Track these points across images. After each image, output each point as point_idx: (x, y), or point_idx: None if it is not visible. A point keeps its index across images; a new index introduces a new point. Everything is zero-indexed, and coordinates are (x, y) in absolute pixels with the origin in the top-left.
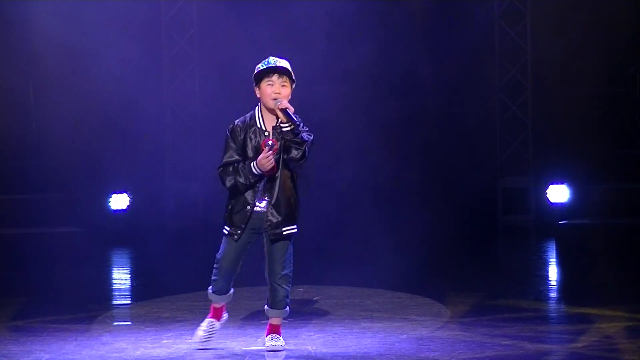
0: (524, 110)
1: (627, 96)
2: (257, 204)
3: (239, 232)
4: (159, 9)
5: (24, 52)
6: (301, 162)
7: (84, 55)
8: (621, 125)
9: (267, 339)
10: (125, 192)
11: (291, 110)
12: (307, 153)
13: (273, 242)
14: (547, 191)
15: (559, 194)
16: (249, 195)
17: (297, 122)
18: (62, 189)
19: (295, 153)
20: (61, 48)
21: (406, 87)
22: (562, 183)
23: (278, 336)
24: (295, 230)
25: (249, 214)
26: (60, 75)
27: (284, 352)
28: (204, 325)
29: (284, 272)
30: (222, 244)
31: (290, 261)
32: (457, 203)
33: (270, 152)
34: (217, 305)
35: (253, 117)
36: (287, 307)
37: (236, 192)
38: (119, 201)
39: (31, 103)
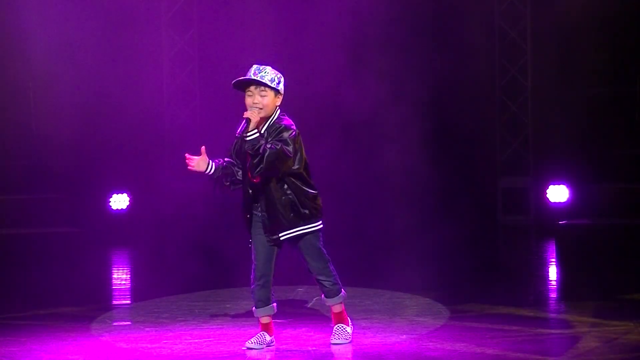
0: (524, 110)
1: (627, 96)
2: (255, 210)
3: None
4: (159, 9)
5: (24, 52)
6: (257, 172)
7: (84, 55)
8: (621, 125)
9: (334, 329)
10: (125, 192)
11: (255, 120)
12: (264, 163)
13: (274, 247)
14: (547, 191)
15: (558, 194)
16: (246, 201)
17: (241, 132)
18: (62, 189)
19: (250, 161)
20: (61, 48)
21: (406, 87)
22: (561, 183)
23: (344, 326)
24: (303, 231)
25: (248, 220)
26: (60, 75)
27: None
28: (254, 338)
29: (320, 266)
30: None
31: (320, 254)
32: (457, 203)
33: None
34: (264, 321)
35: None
36: (342, 291)
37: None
38: (119, 201)
39: (31, 103)
